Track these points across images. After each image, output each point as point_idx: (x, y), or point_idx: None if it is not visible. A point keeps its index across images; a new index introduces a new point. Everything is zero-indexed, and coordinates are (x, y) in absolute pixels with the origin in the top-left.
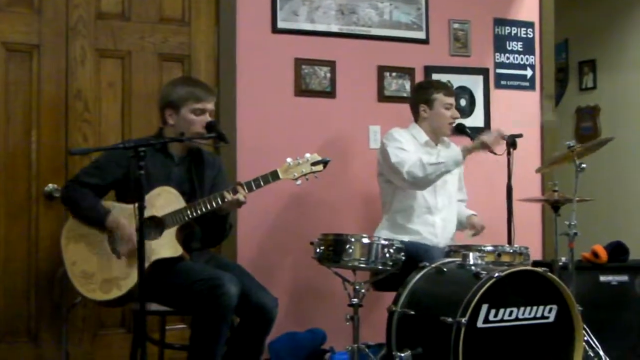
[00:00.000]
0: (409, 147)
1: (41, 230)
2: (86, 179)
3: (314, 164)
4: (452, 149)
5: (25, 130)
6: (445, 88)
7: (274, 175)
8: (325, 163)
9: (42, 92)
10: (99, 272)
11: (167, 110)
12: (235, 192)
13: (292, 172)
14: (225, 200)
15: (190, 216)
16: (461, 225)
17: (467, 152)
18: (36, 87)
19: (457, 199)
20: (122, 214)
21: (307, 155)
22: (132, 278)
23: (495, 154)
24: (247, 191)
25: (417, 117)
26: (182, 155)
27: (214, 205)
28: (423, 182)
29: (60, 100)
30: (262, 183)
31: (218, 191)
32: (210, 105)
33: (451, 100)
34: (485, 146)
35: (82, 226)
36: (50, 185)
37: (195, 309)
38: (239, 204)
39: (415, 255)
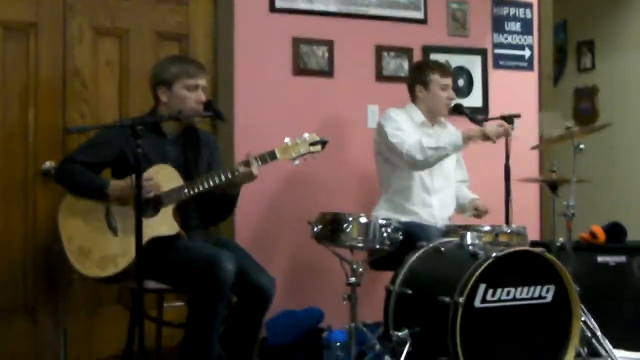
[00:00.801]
0: (407, 127)
1: (38, 207)
2: (79, 157)
3: (313, 144)
4: (453, 133)
5: (22, 108)
6: (442, 69)
7: (272, 155)
8: (323, 143)
9: (39, 71)
10: (95, 248)
11: (159, 88)
12: (247, 165)
13: (290, 152)
14: (237, 174)
15: (189, 194)
16: (462, 208)
17: (467, 138)
18: (34, 65)
19: (457, 180)
20: None
21: (306, 135)
22: (129, 255)
23: (493, 141)
24: (260, 164)
25: (413, 98)
26: (176, 133)
27: (217, 182)
28: (421, 164)
29: (58, 78)
30: (259, 162)
31: (214, 169)
32: (202, 82)
33: (447, 81)
34: (487, 138)
35: (80, 202)
36: (48, 163)
37: (192, 287)
38: (251, 177)
39: (412, 235)
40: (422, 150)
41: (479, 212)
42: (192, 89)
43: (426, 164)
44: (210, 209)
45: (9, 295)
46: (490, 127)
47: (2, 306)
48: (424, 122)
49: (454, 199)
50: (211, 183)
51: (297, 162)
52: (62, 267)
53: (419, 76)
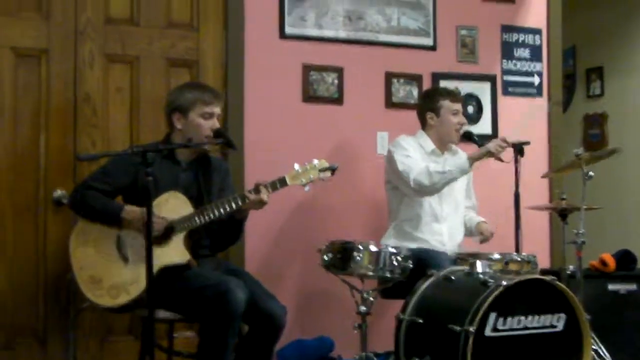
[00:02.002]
0: (415, 154)
1: (49, 234)
2: (94, 184)
3: (322, 170)
4: (459, 157)
5: (33, 134)
6: (452, 94)
7: (282, 182)
8: (333, 170)
9: (50, 97)
10: (106, 277)
11: (174, 115)
12: (257, 192)
13: (300, 179)
14: (247, 200)
15: (199, 222)
16: (470, 233)
17: (472, 160)
18: (45, 91)
19: (465, 206)
20: None
21: (315, 161)
22: (139, 284)
23: (502, 161)
24: (270, 191)
25: (424, 125)
26: (189, 160)
27: (228, 209)
28: (429, 190)
29: (69, 104)
30: (270, 189)
31: (225, 197)
32: (218, 110)
33: (458, 106)
34: (490, 154)
35: (91, 231)
36: (59, 191)
37: (203, 315)
38: (261, 204)
39: (423, 263)
40: (430, 176)
41: (484, 237)
42: (208, 117)
43: (434, 189)
44: (218, 235)
45: (20, 323)
46: (494, 144)
47: (12, 334)
48: (434, 150)
49: (462, 225)
50: (222, 211)
51: (307, 188)
52: (73, 295)
53: (429, 103)
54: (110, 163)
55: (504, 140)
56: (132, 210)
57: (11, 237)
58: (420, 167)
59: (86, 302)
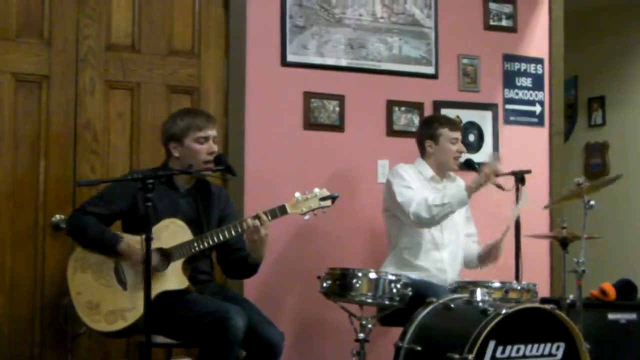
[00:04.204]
0: (414, 184)
1: (47, 260)
2: (90, 209)
3: (323, 199)
4: (457, 188)
5: (33, 160)
6: (451, 122)
7: (282, 210)
8: (334, 199)
9: (50, 123)
10: (104, 303)
11: (170, 144)
12: (256, 218)
13: (300, 207)
14: (244, 226)
15: (197, 248)
16: (472, 264)
17: (470, 191)
18: (45, 117)
19: (465, 234)
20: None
21: (316, 190)
22: (137, 310)
23: (502, 189)
24: (270, 219)
25: (423, 153)
26: (188, 187)
27: (227, 236)
28: (428, 222)
29: (69, 130)
30: (269, 217)
31: (228, 223)
32: (213, 132)
33: (457, 134)
34: (486, 180)
35: (89, 256)
36: (57, 216)
37: (202, 342)
38: (258, 232)
39: (422, 291)
40: (429, 209)
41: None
42: (203, 141)
43: (433, 222)
44: (234, 271)
45: (17, 350)
46: (486, 170)
47: (9, 356)
48: (433, 176)
49: (462, 251)
50: (221, 237)
51: (307, 217)
52: (71, 320)
53: (428, 130)
54: (109, 188)
55: (492, 168)
56: (128, 245)
57: (9, 264)
58: (419, 200)
59: (83, 327)
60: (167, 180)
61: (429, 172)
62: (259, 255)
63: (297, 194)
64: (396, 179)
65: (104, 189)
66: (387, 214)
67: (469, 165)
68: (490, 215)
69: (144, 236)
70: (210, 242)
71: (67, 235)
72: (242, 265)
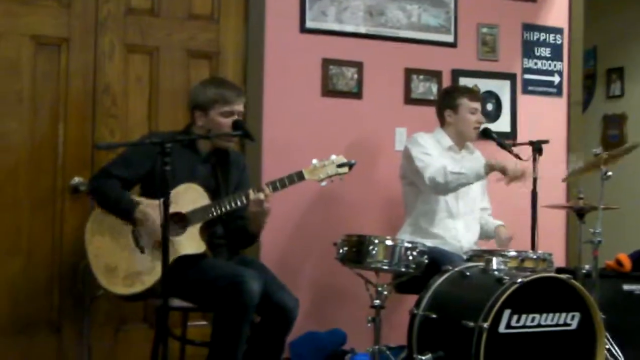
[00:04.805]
0: (433, 151)
1: (66, 223)
2: (115, 171)
3: (340, 166)
4: (476, 161)
5: (52, 123)
6: (471, 92)
7: (300, 176)
8: (350, 166)
9: (70, 86)
10: (122, 266)
11: (196, 112)
12: (259, 190)
13: (317, 174)
14: (249, 197)
15: (215, 214)
16: (487, 235)
17: (489, 167)
18: (64, 80)
19: (480, 207)
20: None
21: (333, 157)
22: (154, 273)
23: (520, 158)
24: (272, 191)
25: (442, 122)
26: (208, 151)
27: (238, 203)
28: (443, 188)
29: (88, 94)
30: (287, 183)
31: (242, 189)
32: (238, 107)
33: (476, 104)
34: (504, 173)
35: (108, 219)
36: (76, 179)
37: (217, 305)
38: (260, 204)
39: (437, 259)
40: (445, 175)
41: (502, 241)
42: (228, 115)
43: (447, 188)
44: (232, 240)
45: (35, 310)
46: (513, 165)
47: (27, 322)
48: (451, 146)
49: (478, 225)
50: (238, 202)
51: (324, 183)
52: (88, 283)
53: (447, 100)
54: (131, 150)
55: (525, 172)
56: (144, 213)
57: (28, 227)
58: (437, 166)
59: (100, 289)
60: (190, 145)
61: (448, 141)
62: (260, 226)
63: (314, 161)
64: (415, 146)
65: (126, 151)
66: (405, 182)
67: (487, 135)
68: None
69: (161, 200)
70: (228, 207)
71: (88, 195)
72: (241, 234)
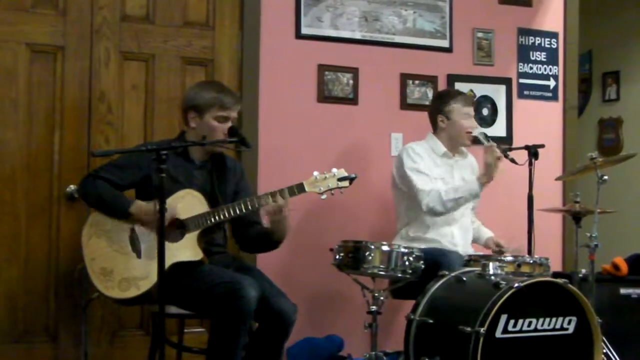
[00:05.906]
0: (427, 162)
1: (62, 230)
2: (104, 174)
3: (341, 179)
4: (469, 182)
5: (48, 131)
6: (463, 97)
7: (300, 188)
8: (351, 179)
9: (65, 94)
10: (118, 270)
11: (190, 113)
12: (275, 197)
13: (318, 186)
14: (269, 207)
15: (213, 220)
16: (477, 242)
17: (483, 182)
18: (60, 88)
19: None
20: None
21: (334, 170)
22: (150, 278)
23: (516, 163)
24: (288, 196)
25: (435, 128)
26: (203, 159)
27: (243, 209)
28: (441, 214)
29: (84, 101)
30: (287, 194)
31: (242, 197)
32: (234, 114)
33: (469, 109)
34: (492, 168)
35: (105, 222)
36: (72, 186)
37: (214, 313)
38: (280, 211)
39: (434, 261)
40: (443, 203)
41: (502, 249)
42: (222, 121)
43: (446, 213)
44: (254, 245)
45: (32, 318)
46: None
47: (24, 328)
48: (445, 152)
49: (471, 226)
50: (237, 211)
51: (324, 196)
52: (84, 286)
53: (440, 105)
54: (123, 158)
55: (494, 155)
56: (141, 206)
57: (24, 234)
58: (434, 193)
59: (96, 292)
60: (183, 152)
61: (441, 148)
62: (284, 233)
63: (315, 173)
64: (408, 161)
65: (119, 158)
66: (396, 190)
67: (479, 142)
68: (503, 188)
69: (157, 207)
70: (227, 215)
71: (81, 199)
72: (264, 240)
